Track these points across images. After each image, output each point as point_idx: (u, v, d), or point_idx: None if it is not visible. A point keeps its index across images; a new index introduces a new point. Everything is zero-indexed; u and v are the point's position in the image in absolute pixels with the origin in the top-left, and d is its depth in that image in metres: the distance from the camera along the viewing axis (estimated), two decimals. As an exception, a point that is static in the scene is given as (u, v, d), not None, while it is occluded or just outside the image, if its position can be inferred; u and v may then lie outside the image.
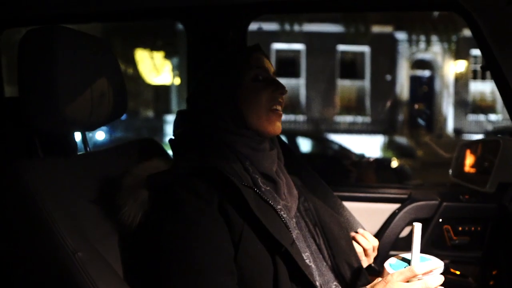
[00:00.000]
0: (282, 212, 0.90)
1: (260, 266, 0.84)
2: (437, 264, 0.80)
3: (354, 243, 1.14)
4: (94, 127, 1.06)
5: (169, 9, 1.57)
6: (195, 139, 0.96)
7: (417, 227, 0.82)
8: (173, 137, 1.03)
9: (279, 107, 1.00)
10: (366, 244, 1.14)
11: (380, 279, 0.81)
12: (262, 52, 1.04)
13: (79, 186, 0.91)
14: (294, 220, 0.97)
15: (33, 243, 0.78)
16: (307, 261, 0.90)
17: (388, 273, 0.81)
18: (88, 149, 1.12)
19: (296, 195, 1.04)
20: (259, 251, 0.84)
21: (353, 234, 1.16)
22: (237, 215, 0.84)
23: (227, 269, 0.81)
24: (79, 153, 1.09)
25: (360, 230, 1.18)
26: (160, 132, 11.47)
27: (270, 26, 11.46)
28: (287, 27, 11.74)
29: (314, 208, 1.07)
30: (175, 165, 0.90)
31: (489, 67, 1.35)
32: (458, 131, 12.26)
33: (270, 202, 0.89)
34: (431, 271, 0.79)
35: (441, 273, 0.80)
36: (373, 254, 1.16)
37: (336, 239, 1.03)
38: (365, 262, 1.14)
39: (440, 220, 1.64)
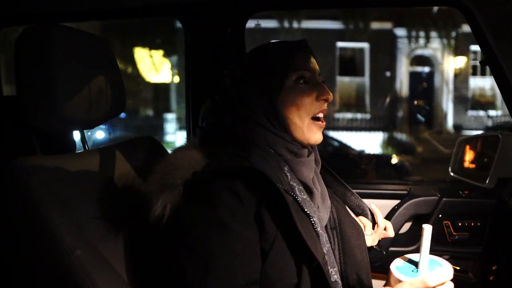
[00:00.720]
0: (316, 225, 0.85)
1: (284, 277, 0.81)
2: (448, 273, 0.77)
3: (363, 218, 1.14)
4: (92, 125, 1.06)
5: (167, 6, 1.57)
6: (233, 133, 0.88)
7: (427, 229, 0.78)
8: (203, 126, 0.95)
9: (321, 116, 0.92)
10: (381, 222, 1.13)
11: None
12: (309, 50, 0.95)
13: (78, 184, 0.91)
14: (325, 234, 0.91)
15: (32, 242, 0.78)
16: (335, 276, 0.86)
17: (395, 276, 0.78)
18: (86, 147, 1.12)
19: (329, 205, 0.99)
20: (286, 262, 0.81)
21: (372, 207, 1.16)
22: (272, 223, 0.80)
23: (248, 281, 0.77)
24: (77, 152, 1.09)
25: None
26: (160, 131, 11.46)
27: (269, 24, 11.45)
28: (286, 24, 11.74)
29: (336, 210, 1.03)
30: (215, 159, 0.83)
31: (488, 62, 1.35)
32: (458, 127, 12.25)
33: (307, 212, 0.84)
34: (443, 283, 0.75)
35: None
36: (379, 235, 1.16)
37: (351, 248, 0.98)
38: (370, 239, 1.12)
39: (440, 216, 1.64)
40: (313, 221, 0.85)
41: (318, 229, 0.85)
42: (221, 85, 0.97)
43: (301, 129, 0.90)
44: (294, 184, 0.87)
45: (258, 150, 0.86)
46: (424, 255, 0.79)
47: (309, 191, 0.91)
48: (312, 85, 0.91)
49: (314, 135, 0.91)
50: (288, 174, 0.87)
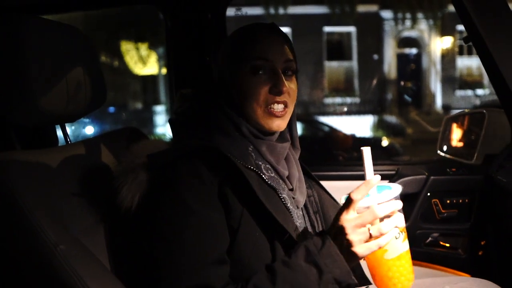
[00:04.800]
0: (286, 201, 0.87)
1: (258, 253, 0.81)
2: (395, 192, 0.77)
3: None
4: (72, 119, 1.04)
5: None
6: (198, 118, 0.90)
7: (366, 151, 0.76)
8: (173, 117, 0.97)
9: (277, 107, 0.87)
10: None
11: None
12: (277, 37, 0.90)
13: (60, 178, 0.89)
14: (298, 212, 0.92)
15: (14, 238, 0.76)
16: None
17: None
18: (69, 141, 1.10)
19: (305, 192, 0.99)
20: (258, 238, 0.81)
21: None
22: (237, 200, 0.81)
23: (216, 259, 0.77)
24: (59, 146, 1.07)
25: None
26: (150, 123, 11.38)
27: (255, 11, 11.34)
28: (271, 10, 11.63)
29: (318, 195, 1.04)
30: (177, 144, 0.86)
31: (471, 39, 1.34)
32: (446, 107, 12.35)
33: (273, 186, 0.86)
34: (393, 213, 0.75)
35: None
36: None
37: None
38: None
39: (428, 194, 1.65)
40: (282, 197, 0.86)
41: (289, 205, 0.87)
42: (203, 72, 0.97)
43: (255, 117, 0.88)
44: (260, 163, 0.88)
45: (220, 132, 0.88)
46: (369, 178, 0.77)
47: (276, 172, 0.91)
48: (268, 76, 0.87)
49: (269, 123, 0.88)
50: (253, 154, 0.89)
